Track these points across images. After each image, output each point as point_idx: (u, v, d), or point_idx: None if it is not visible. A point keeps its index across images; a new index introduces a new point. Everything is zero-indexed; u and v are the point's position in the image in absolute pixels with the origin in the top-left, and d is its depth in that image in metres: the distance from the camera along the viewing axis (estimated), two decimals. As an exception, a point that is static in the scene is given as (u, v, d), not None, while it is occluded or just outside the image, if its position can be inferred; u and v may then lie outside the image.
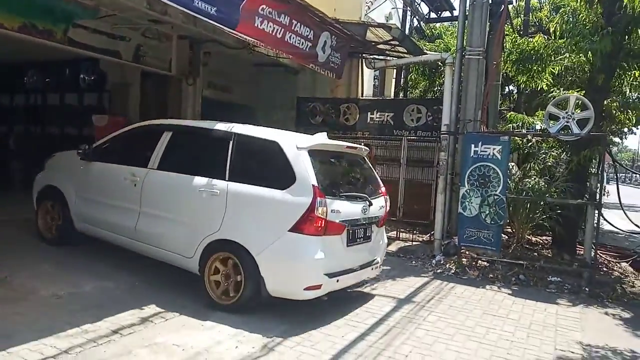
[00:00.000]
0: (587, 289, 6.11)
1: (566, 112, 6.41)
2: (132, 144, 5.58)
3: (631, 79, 7.43)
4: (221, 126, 4.86)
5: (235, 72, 11.15)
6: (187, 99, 9.89)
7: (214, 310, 4.37)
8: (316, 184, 4.20)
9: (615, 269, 7.41)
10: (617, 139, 15.26)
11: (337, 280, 4.40)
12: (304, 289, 4.20)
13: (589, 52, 6.71)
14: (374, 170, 5.60)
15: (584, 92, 7.29)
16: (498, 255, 6.69)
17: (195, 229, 4.56)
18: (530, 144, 7.70)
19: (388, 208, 5.34)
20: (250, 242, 4.27)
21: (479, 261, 6.88)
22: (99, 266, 5.28)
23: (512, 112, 8.91)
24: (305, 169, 4.26)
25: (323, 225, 4.20)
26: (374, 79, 15.60)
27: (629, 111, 7.77)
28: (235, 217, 4.38)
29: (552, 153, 7.75)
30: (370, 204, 4.89)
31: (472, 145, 6.77)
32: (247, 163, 4.62)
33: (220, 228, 4.41)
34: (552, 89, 8.00)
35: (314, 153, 4.41)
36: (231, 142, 4.63)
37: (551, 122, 6.79)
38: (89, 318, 3.93)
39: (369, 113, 10.77)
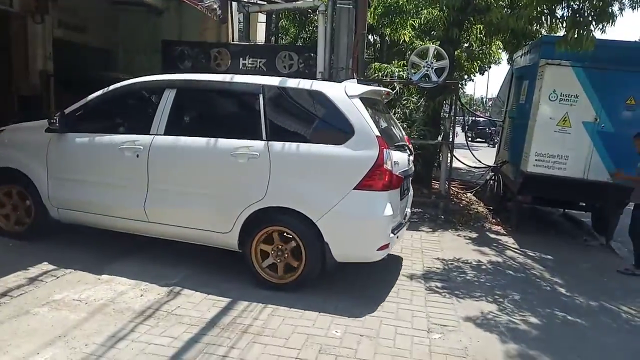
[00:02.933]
0: (442, 217, 7.14)
1: (426, 62, 7.14)
2: (121, 107, 4.75)
3: (477, 32, 8.45)
4: (243, 79, 4.40)
5: (91, 9, 10.11)
6: (35, 41, 8.79)
7: (108, 264, 4.28)
8: (379, 134, 3.89)
9: (463, 198, 8.70)
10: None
11: (397, 237, 4.24)
12: (377, 250, 3.91)
13: (444, 7, 7.48)
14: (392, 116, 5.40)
15: (439, 43, 8.14)
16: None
17: (231, 200, 4.05)
18: (394, 91, 8.42)
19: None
20: (307, 207, 3.87)
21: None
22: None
23: (377, 62, 9.56)
24: (363, 119, 3.89)
25: (391, 178, 3.91)
26: (239, 22, 15.24)
27: (474, 61, 8.87)
28: (284, 180, 3.93)
29: (413, 99, 8.59)
30: (411, 153, 4.78)
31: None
32: (286, 119, 4.19)
33: (265, 195, 3.93)
34: (413, 41, 8.74)
35: (364, 101, 4.05)
36: (261, 97, 4.10)
37: (413, 70, 7.50)
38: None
39: (241, 59, 10.62)
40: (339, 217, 3.81)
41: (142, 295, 3.76)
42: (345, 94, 3.97)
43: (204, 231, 4.16)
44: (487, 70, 10.01)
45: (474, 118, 26.72)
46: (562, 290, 4.76)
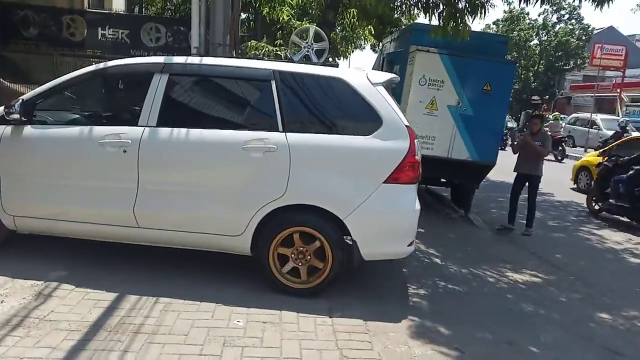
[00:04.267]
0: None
1: (307, 43, 7.11)
2: (97, 94, 4.07)
3: (350, 16, 8.67)
4: (251, 63, 3.87)
5: None
6: None
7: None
8: (408, 124, 3.64)
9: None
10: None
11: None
12: (408, 246, 3.71)
13: (322, -11, 7.53)
14: None
15: (315, 24, 8.18)
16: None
17: (243, 198, 3.59)
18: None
19: None
20: (334, 204, 3.55)
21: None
22: None
23: (252, 40, 9.33)
24: (391, 108, 3.63)
25: (419, 170, 3.70)
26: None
27: (348, 44, 9.12)
28: (307, 175, 3.55)
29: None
30: None
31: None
32: (304, 108, 3.77)
33: (285, 192, 3.53)
34: (291, 20, 8.67)
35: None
36: (273, 83, 3.66)
37: (293, 50, 7.44)
38: None
39: (99, 28, 9.64)
40: (368, 213, 3.56)
41: (2, 302, 3.20)
42: (369, 81, 3.71)
43: (209, 235, 3.69)
44: (349, 55, 10.40)
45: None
46: (438, 261, 5.18)
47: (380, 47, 9.92)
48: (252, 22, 13.33)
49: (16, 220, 3.82)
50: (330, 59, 8.96)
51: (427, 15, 5.97)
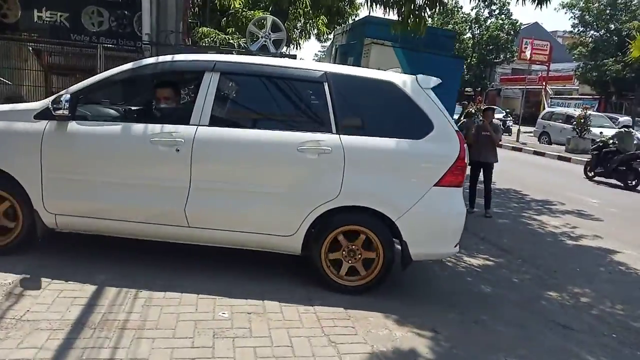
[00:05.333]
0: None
1: (264, 32, 7.11)
2: (145, 90, 4.07)
3: (304, 6, 8.70)
4: (302, 64, 3.92)
5: None
6: None
7: None
8: (458, 129, 3.73)
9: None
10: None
11: None
12: (454, 247, 3.79)
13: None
14: None
15: (269, 13, 8.15)
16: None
17: (298, 199, 3.60)
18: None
19: None
20: (387, 205, 3.60)
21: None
22: None
23: (203, 27, 9.12)
24: (441, 112, 3.69)
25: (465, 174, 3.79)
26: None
27: (303, 35, 9.15)
28: (360, 177, 3.59)
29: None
30: None
31: (182, 59, 6.75)
32: (356, 110, 3.78)
33: (339, 193, 3.56)
34: (244, 9, 8.57)
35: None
36: (326, 86, 3.68)
37: (250, 40, 7.40)
38: None
39: (35, 10, 8.99)
40: (420, 215, 3.62)
41: (-30, 304, 3.04)
42: (419, 86, 3.77)
43: (261, 235, 3.69)
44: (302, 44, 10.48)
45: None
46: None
47: (332, 38, 10.02)
48: (198, 9, 12.98)
49: (58, 218, 3.71)
50: (285, 49, 8.98)
51: (387, 10, 6.14)
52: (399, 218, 3.62)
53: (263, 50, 7.20)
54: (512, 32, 37.78)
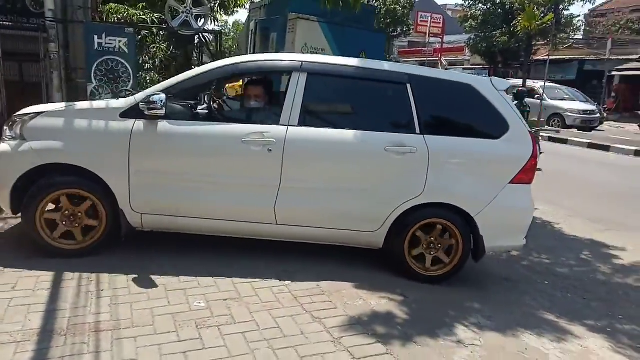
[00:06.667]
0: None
1: (185, 7, 6.74)
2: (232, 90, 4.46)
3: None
4: (385, 65, 4.04)
5: None
6: None
7: None
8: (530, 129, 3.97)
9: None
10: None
11: None
12: (523, 239, 3.98)
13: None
14: None
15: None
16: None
17: (384, 197, 3.75)
18: (140, 36, 7.67)
19: None
20: (466, 202, 3.77)
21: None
22: None
23: (111, 4, 8.41)
24: (515, 114, 3.91)
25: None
26: None
27: (225, 10, 8.77)
28: (442, 175, 3.76)
29: (162, 47, 8.02)
30: None
31: (96, 37, 6.19)
32: (436, 111, 3.93)
33: (423, 191, 3.71)
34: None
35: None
36: (409, 87, 3.81)
37: (170, 16, 6.97)
38: None
39: None
40: (496, 211, 3.79)
41: None
42: (495, 88, 3.93)
43: (346, 231, 3.80)
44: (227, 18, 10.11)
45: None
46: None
47: (248, 13, 9.75)
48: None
49: (144, 217, 3.71)
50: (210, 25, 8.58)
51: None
52: (478, 214, 3.80)
53: (185, 26, 6.84)
54: (407, 6, 39.23)
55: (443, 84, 4.01)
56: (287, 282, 3.59)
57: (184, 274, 3.55)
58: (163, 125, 3.61)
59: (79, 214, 3.64)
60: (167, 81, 3.86)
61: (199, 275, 3.56)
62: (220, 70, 3.88)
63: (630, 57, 25.46)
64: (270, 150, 3.62)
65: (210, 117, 4.08)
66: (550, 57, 20.09)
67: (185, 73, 3.94)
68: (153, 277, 3.46)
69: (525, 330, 3.33)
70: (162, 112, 3.50)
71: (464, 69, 35.24)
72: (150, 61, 7.76)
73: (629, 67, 24.97)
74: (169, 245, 4.01)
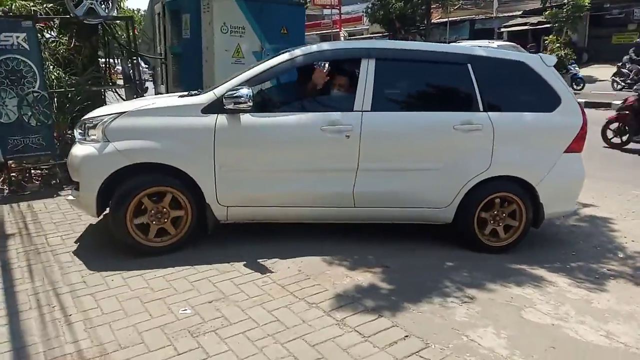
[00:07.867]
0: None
1: (88, -6, 6.08)
2: (305, 79, 4.34)
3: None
4: (446, 47, 4.35)
5: None
6: None
7: None
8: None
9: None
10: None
11: None
12: (575, 204, 4.33)
13: None
14: None
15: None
16: (55, 158, 6.05)
17: (454, 174, 3.92)
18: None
19: None
20: (529, 173, 3.99)
21: (37, 170, 6.06)
22: None
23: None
24: (565, 87, 4.15)
25: None
26: None
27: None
28: (506, 150, 3.94)
29: (63, 41, 7.22)
30: None
31: (-13, 35, 5.43)
32: (496, 89, 4.07)
33: (490, 165, 3.90)
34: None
35: None
36: (470, 67, 3.99)
37: (72, 3, 6.26)
38: None
39: None
40: (554, 179, 4.01)
41: None
42: (546, 65, 4.12)
43: (418, 209, 3.98)
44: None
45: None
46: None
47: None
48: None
49: (229, 210, 3.81)
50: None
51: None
52: (538, 184, 4.01)
53: (91, 14, 6.17)
54: (302, -21, 38.95)
55: (499, 63, 4.19)
56: (268, 274, 3.45)
57: (155, 283, 3.28)
58: (246, 118, 3.70)
59: (164, 210, 3.69)
60: (244, 74, 3.87)
61: (172, 280, 3.32)
62: (294, 62, 3.97)
63: (515, 13, 27.38)
64: (348, 136, 3.75)
65: (288, 107, 4.06)
66: (446, 20, 21.02)
67: (261, 64, 3.97)
68: (120, 292, 3.15)
69: (504, 281, 3.49)
70: (249, 105, 3.57)
71: (363, 38, 35.91)
72: (52, 57, 6.95)
73: (514, 22, 26.85)
74: (126, 255, 3.68)
